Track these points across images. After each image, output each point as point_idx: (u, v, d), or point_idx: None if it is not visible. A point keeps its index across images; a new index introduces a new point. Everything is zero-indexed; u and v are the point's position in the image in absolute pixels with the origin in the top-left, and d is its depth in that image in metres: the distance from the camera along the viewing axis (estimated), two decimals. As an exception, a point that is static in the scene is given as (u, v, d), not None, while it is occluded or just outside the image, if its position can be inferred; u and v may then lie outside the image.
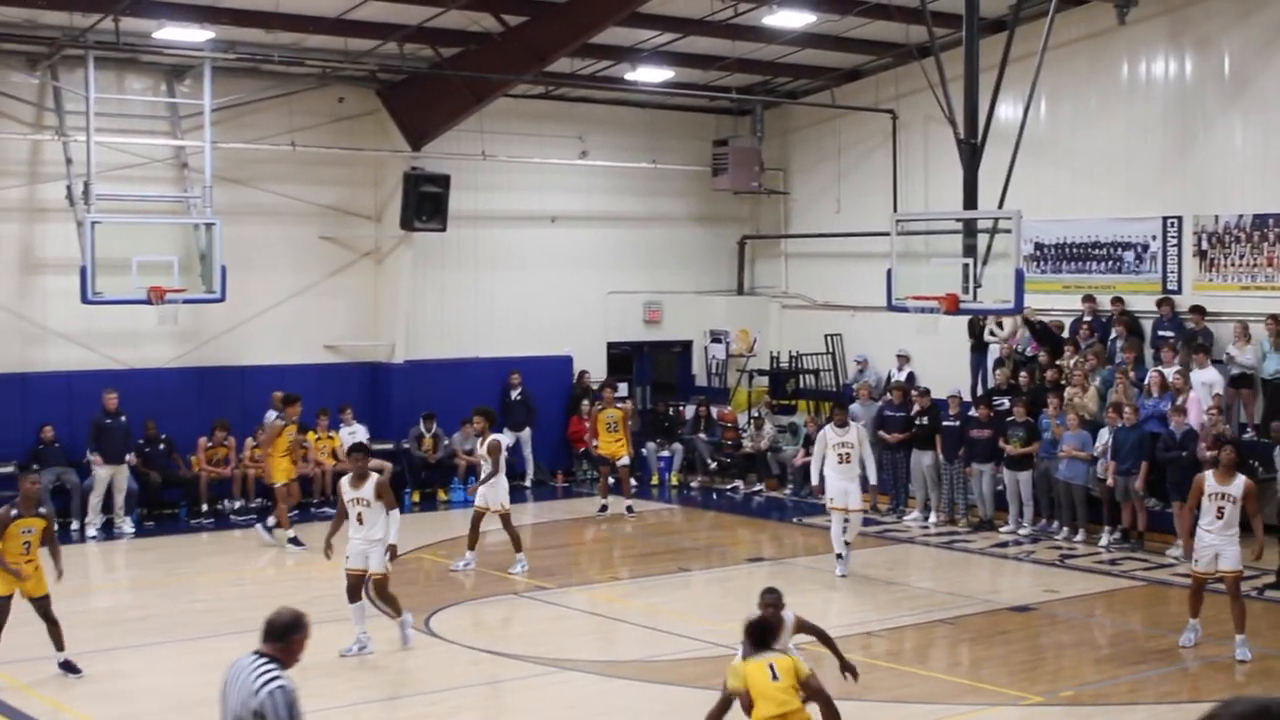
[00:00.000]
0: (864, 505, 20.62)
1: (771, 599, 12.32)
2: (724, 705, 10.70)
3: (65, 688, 14.63)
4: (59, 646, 14.93)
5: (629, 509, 25.44)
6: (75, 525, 23.59)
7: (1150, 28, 25.02)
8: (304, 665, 15.17)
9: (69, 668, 14.93)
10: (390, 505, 15.98)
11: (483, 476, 20.82)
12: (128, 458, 23.99)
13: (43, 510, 15.26)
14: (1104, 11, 24.96)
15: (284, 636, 8.06)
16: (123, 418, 23.95)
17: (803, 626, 12.68)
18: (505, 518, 20.71)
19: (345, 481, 16.16)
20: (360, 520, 15.92)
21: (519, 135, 28.62)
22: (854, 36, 27.31)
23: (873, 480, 21.41)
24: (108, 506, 23.91)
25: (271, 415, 24.27)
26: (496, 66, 25.35)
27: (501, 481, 20.67)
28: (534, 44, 24.76)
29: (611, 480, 25.98)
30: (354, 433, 25.38)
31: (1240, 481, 15.89)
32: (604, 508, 25.53)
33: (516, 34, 24.78)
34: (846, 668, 12.38)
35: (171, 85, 25.62)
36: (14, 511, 14.65)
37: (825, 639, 12.78)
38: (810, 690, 10.67)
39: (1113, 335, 24.94)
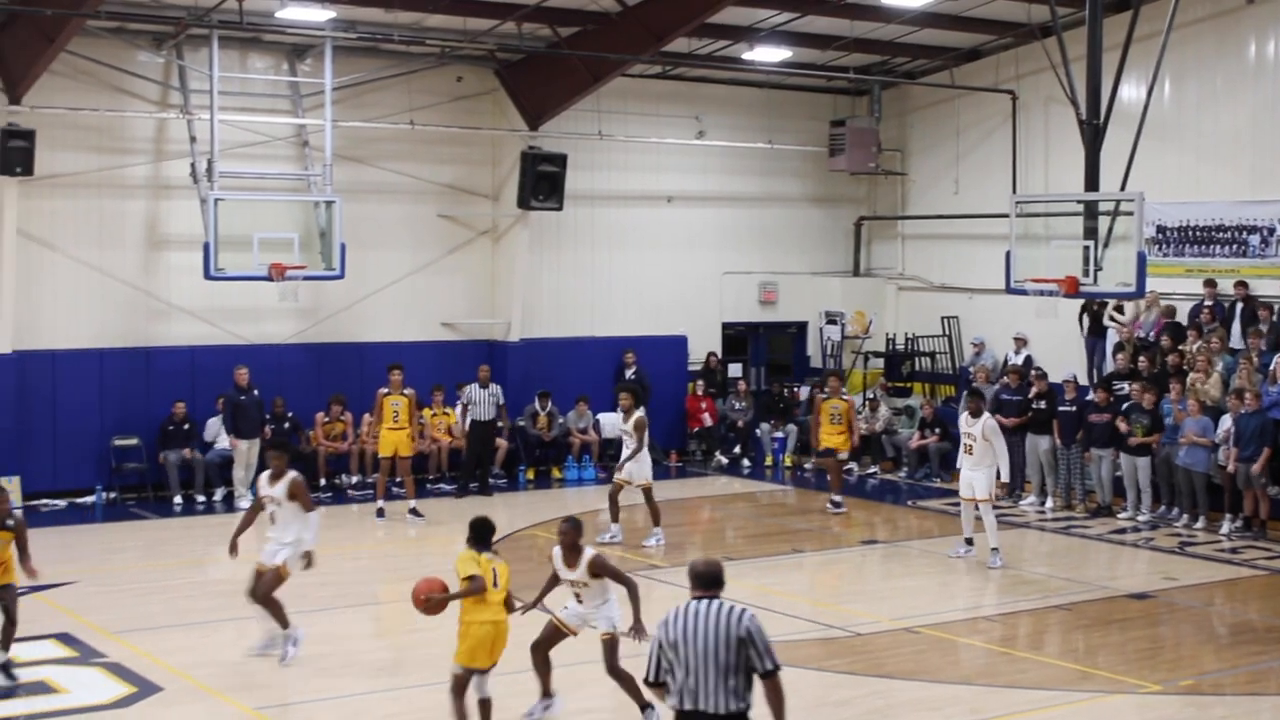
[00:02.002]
0: (989, 495, 20.23)
1: (566, 528, 12.57)
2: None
3: (184, 654, 14.80)
4: (4, 645, 14.07)
5: (832, 503, 23.99)
6: (200, 499, 23.98)
7: (1279, 7, 24.59)
8: (402, 641, 15.29)
9: (5, 670, 14.03)
10: (307, 507, 14.88)
11: (628, 452, 21.03)
12: (265, 431, 24.36)
13: (10, 523, 13.93)
14: (1232, -11, 24.59)
15: (718, 581, 8.75)
16: (254, 393, 24.30)
17: (601, 568, 12.54)
18: (648, 492, 21.07)
19: (264, 478, 15.08)
20: (273, 519, 14.91)
21: (636, 115, 28.62)
22: (974, 15, 27.02)
23: (1004, 477, 20.55)
24: (227, 479, 24.25)
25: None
26: (614, 46, 25.35)
27: (645, 457, 20.99)
28: (652, 24, 24.73)
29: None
30: (493, 394, 25.49)
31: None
32: (836, 503, 24.04)
33: (634, 13, 24.78)
34: (636, 629, 12.29)
35: (293, 64, 25.85)
36: None
37: (629, 587, 12.49)
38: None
39: (1236, 320, 24.57)
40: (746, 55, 27.99)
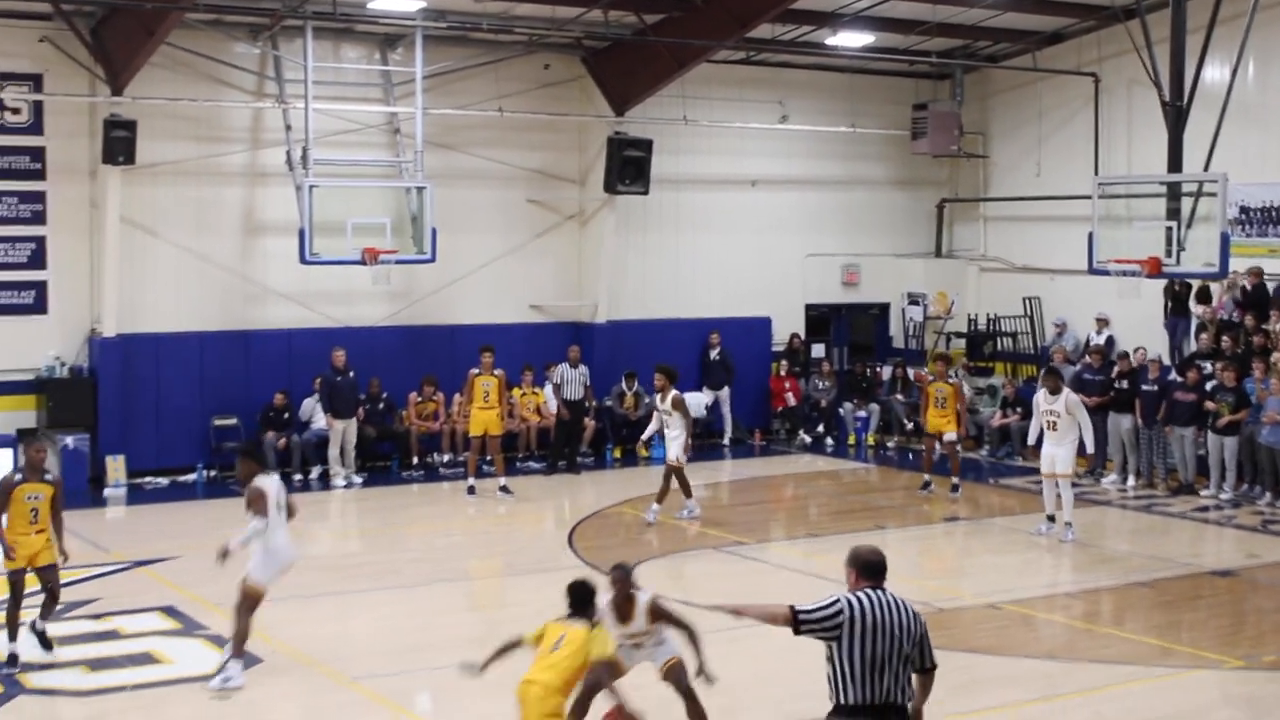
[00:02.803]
0: (1071, 471, 20.18)
1: (618, 575, 11.21)
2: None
3: (282, 627, 14.98)
4: (44, 616, 14.10)
5: (954, 488, 23.33)
6: (298, 477, 24.23)
7: (1362, -13, 24.28)
8: (497, 616, 15.39)
9: (42, 639, 14.06)
10: (258, 513, 13.40)
11: (672, 432, 20.94)
12: (360, 411, 24.64)
13: (49, 476, 14.08)
14: (1315, -29, 24.24)
15: (885, 570, 8.63)
16: (351, 374, 24.54)
17: (660, 613, 11.27)
18: (679, 470, 20.87)
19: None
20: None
21: (720, 100, 28.59)
22: (1056, -1, 26.87)
23: (1089, 449, 20.78)
24: (322, 458, 24.49)
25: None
26: (699, 33, 25.36)
27: (683, 436, 20.86)
28: (736, 10, 24.73)
29: (939, 455, 24.04)
30: (581, 374, 25.87)
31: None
32: (927, 484, 23.68)
33: (719, 1, 24.75)
34: (702, 672, 11.30)
35: (384, 54, 26.01)
36: (18, 476, 14.01)
37: (689, 634, 11.30)
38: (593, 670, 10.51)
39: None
40: (829, 40, 27.91)
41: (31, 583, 14.00)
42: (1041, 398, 20.26)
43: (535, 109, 26.99)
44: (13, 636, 13.90)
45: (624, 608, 11.19)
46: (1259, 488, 22.99)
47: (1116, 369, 24.90)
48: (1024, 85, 30.29)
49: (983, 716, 12.69)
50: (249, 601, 13.43)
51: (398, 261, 24.36)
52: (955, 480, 23.43)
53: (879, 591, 8.50)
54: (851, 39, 27.85)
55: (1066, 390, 20.35)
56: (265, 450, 24.15)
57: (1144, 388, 24.26)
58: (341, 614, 15.44)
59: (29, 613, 14.19)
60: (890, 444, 28.68)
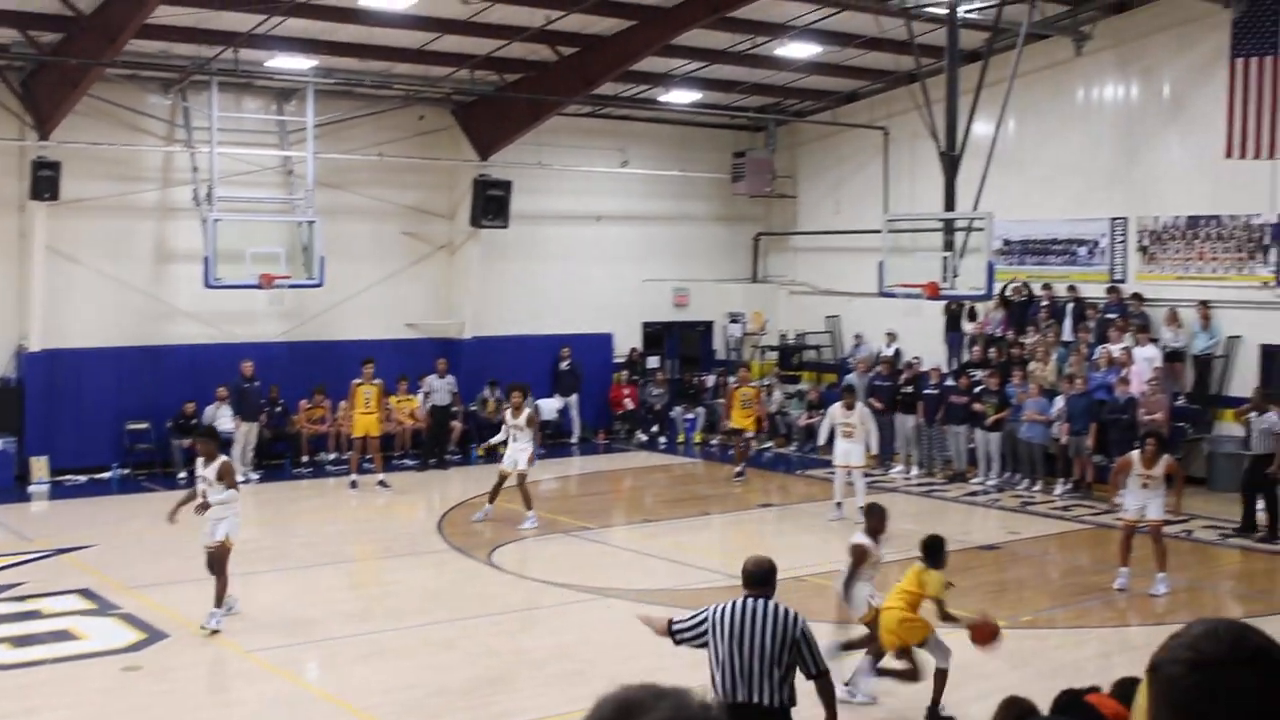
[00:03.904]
0: (864, 463, 20.56)
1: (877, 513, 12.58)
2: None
3: (187, 606, 14.69)
4: None
5: (738, 474, 23.80)
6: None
7: (1102, 58, 24.85)
8: (376, 593, 15.32)
9: None
10: (230, 485, 14.10)
11: (519, 442, 19.77)
12: (263, 416, 24.24)
13: None
14: (1063, 45, 24.77)
15: (769, 580, 8.28)
16: (257, 383, 24.14)
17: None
18: (523, 478, 19.81)
19: (199, 461, 14.33)
20: (204, 497, 14.14)
21: (570, 147, 28.56)
22: (852, 65, 27.20)
23: (874, 450, 21.15)
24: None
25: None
26: (552, 90, 25.34)
27: (529, 446, 19.84)
28: (583, 71, 24.73)
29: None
30: (449, 383, 25.72)
31: (1163, 463, 15.77)
32: (740, 473, 23.85)
33: (569, 63, 24.77)
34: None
35: (280, 105, 25.65)
36: None
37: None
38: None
39: (1067, 317, 24.88)
40: (662, 97, 28.06)
41: None
42: (839, 411, 20.50)
43: (411, 154, 26.78)
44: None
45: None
46: (1019, 475, 23.43)
47: (903, 376, 25.27)
48: (826, 136, 30.63)
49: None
50: (226, 558, 13.94)
51: (291, 286, 24.14)
52: (740, 467, 23.95)
53: (751, 600, 8.11)
54: (681, 96, 28.02)
55: (860, 405, 20.74)
56: (175, 450, 23.81)
57: (925, 392, 24.64)
58: (240, 594, 15.16)
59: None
60: (714, 441, 28.81)
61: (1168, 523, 16.49)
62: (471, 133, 27.16)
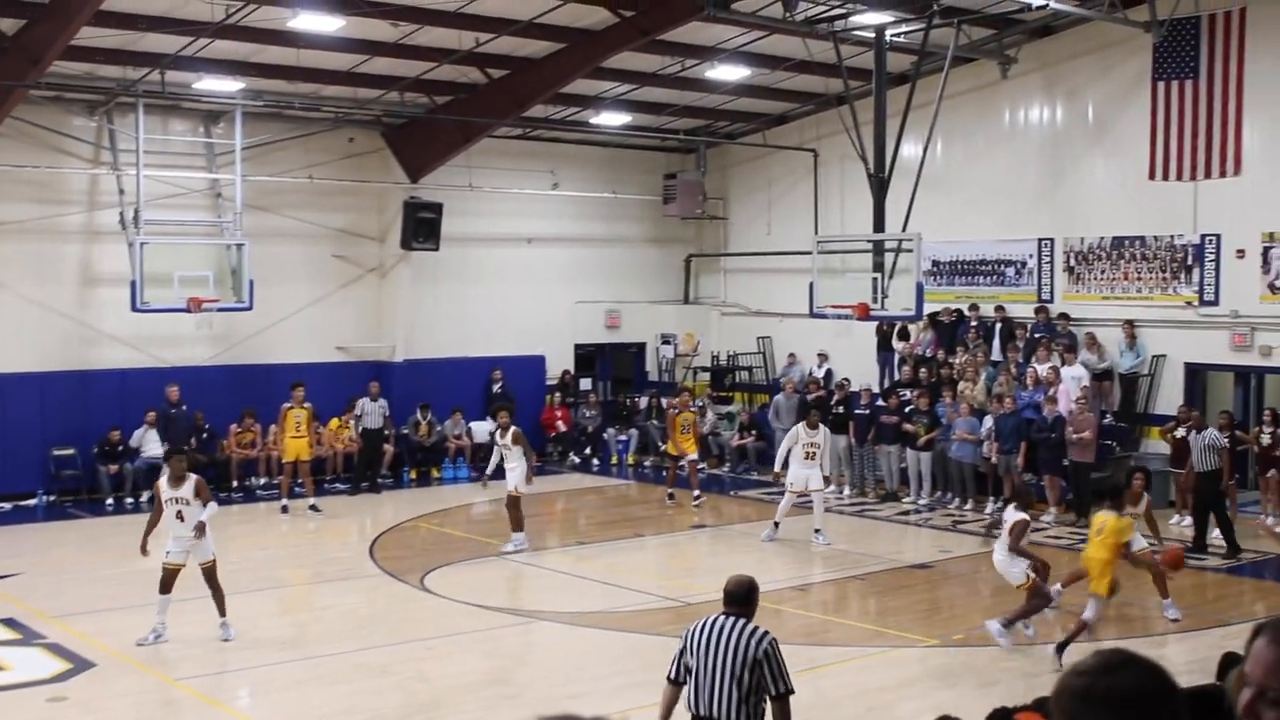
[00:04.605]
0: (821, 487, 20.41)
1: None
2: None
3: (114, 635, 14.50)
4: None
5: (696, 497, 23.31)
6: (130, 501, 23.43)
7: (1028, 81, 25.14)
8: (307, 618, 15.17)
9: None
10: (207, 500, 14.42)
11: (519, 464, 19.54)
12: (191, 440, 23.94)
13: None
14: (990, 68, 25.05)
15: (747, 600, 8.27)
16: (184, 407, 23.87)
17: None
18: (517, 500, 19.63)
19: (164, 482, 14.45)
20: (180, 518, 14.27)
21: (501, 170, 28.51)
22: (782, 88, 27.37)
23: (827, 472, 21.00)
24: (152, 483, 23.59)
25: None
26: (482, 112, 25.31)
27: (522, 467, 19.59)
28: (514, 93, 24.72)
29: (682, 473, 23.99)
30: (381, 407, 25.50)
31: (1145, 501, 15.77)
32: (671, 495, 23.72)
33: (499, 85, 24.75)
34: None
35: (208, 127, 25.43)
36: None
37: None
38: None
39: (996, 337, 25.11)
40: (593, 119, 28.08)
41: None
42: (803, 431, 20.25)
43: (341, 176, 26.63)
44: None
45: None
46: (950, 494, 23.60)
47: (835, 397, 25.39)
48: (756, 158, 30.77)
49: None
50: (216, 570, 14.46)
51: (219, 309, 23.93)
52: (697, 492, 23.49)
53: (725, 618, 8.14)
54: (612, 118, 28.05)
55: (823, 426, 20.67)
56: (102, 476, 23.49)
57: (856, 412, 24.75)
58: (168, 620, 14.95)
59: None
60: (647, 463, 28.79)
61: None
62: (402, 155, 27.06)
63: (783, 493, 20.59)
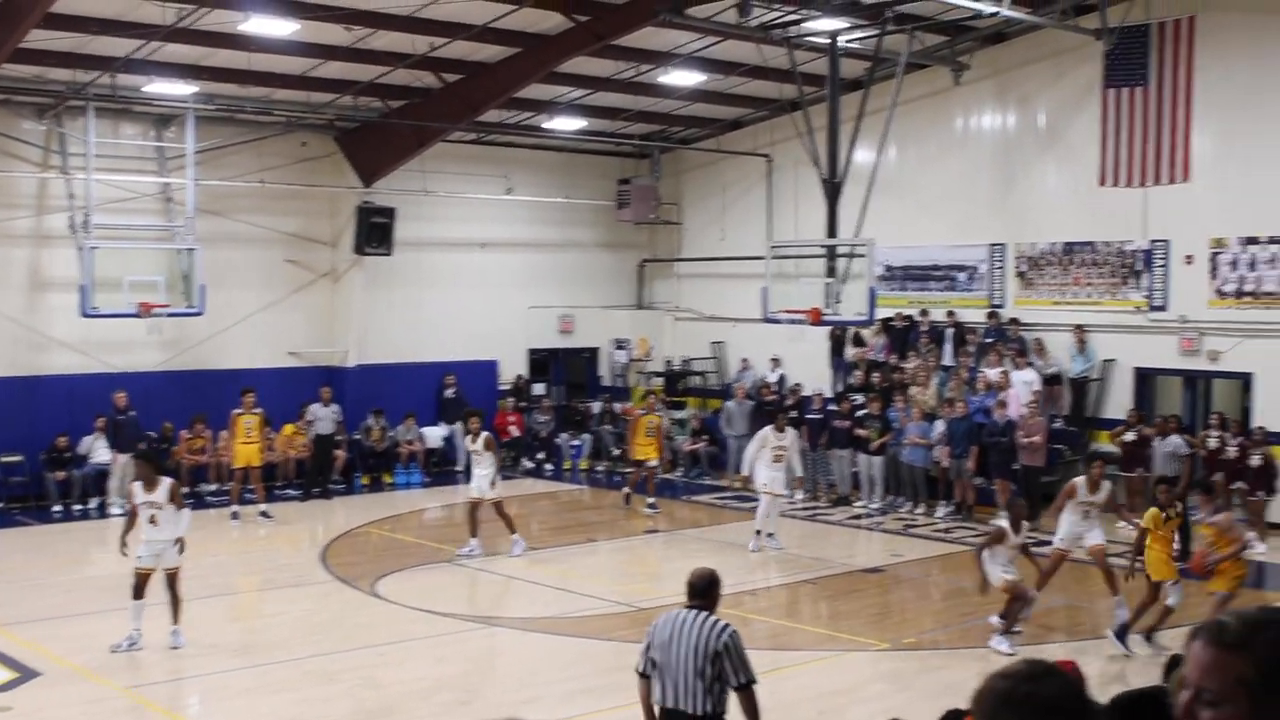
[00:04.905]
0: (787, 493, 20.45)
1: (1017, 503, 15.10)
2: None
3: (61, 642, 14.35)
4: None
5: (651, 505, 23.07)
6: (78, 508, 23.23)
7: (980, 88, 25.30)
8: (257, 625, 15.05)
9: None
10: (180, 506, 14.36)
11: (481, 470, 19.54)
12: (139, 447, 23.72)
13: None
14: (942, 74, 25.19)
15: (707, 593, 8.36)
16: (132, 413, 23.65)
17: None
18: (499, 505, 19.64)
19: (137, 486, 14.37)
20: (154, 522, 14.19)
21: (454, 174, 28.44)
22: (736, 93, 27.42)
23: (798, 474, 21.15)
24: (101, 490, 23.52)
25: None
26: (436, 117, 25.25)
27: (492, 472, 19.52)
28: (468, 98, 24.67)
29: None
30: (333, 412, 25.35)
31: (1105, 489, 15.63)
32: (628, 498, 23.41)
33: (453, 90, 24.70)
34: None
35: (159, 131, 25.25)
36: None
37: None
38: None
39: (947, 342, 25.25)
40: (547, 124, 28.06)
41: None
42: (771, 434, 20.13)
43: (293, 181, 26.51)
44: None
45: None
46: (901, 498, 23.70)
47: (789, 402, 25.44)
48: (710, 164, 30.84)
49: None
50: (178, 576, 14.30)
51: (170, 314, 23.77)
52: (652, 500, 23.31)
53: (687, 610, 8.26)
54: (566, 123, 28.04)
55: (790, 429, 20.62)
56: (49, 483, 23.28)
57: (809, 416, 24.82)
58: (117, 629, 14.82)
59: None
60: (600, 468, 28.78)
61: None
62: (355, 159, 26.95)
63: (755, 499, 20.54)
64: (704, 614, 8.23)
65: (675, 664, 8.09)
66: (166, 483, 14.37)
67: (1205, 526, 14.33)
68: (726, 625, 8.17)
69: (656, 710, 8.26)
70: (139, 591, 14.29)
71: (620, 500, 23.81)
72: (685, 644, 8.09)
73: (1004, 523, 14.51)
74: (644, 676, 8.34)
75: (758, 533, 20.03)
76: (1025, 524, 14.63)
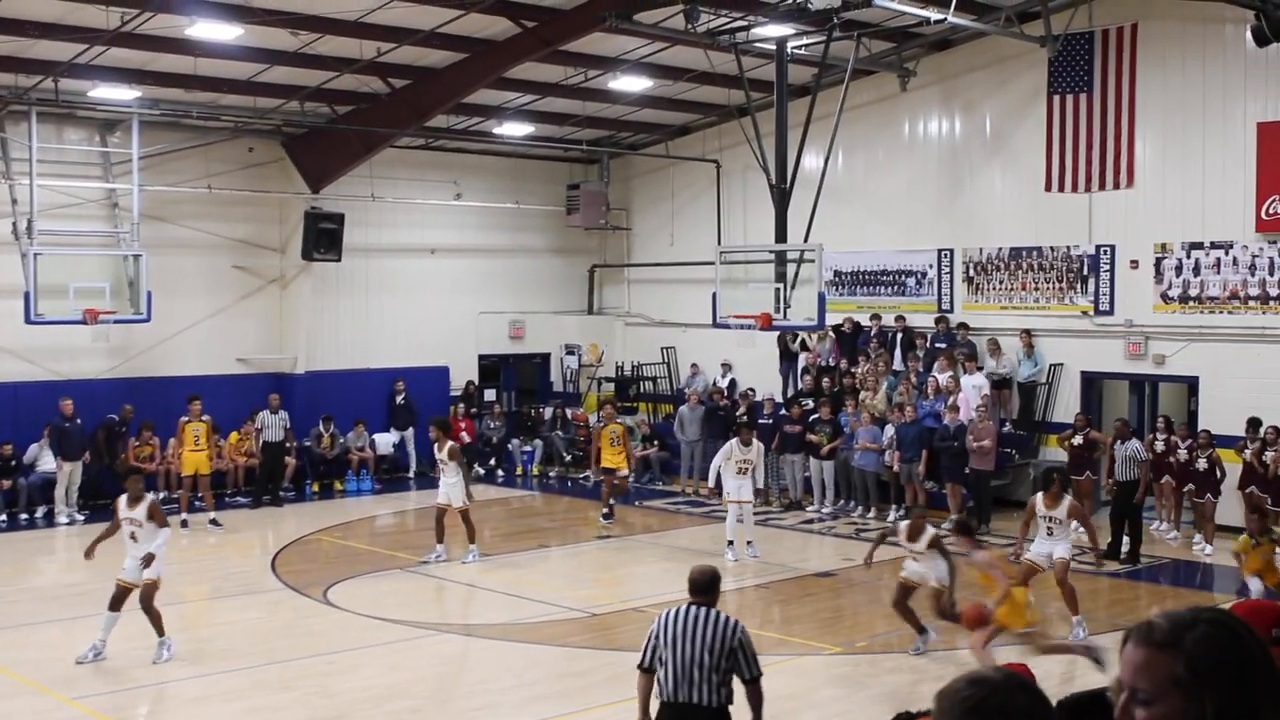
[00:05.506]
0: (752, 499, 20.40)
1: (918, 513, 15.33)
2: None
3: (11, 651, 14.21)
4: None
5: (605, 514, 22.69)
6: (24, 517, 22.98)
7: (927, 94, 25.48)
8: (207, 634, 14.94)
9: None
10: (161, 524, 14.30)
11: (454, 478, 19.43)
12: (85, 455, 23.53)
13: None
14: (889, 80, 25.36)
15: (710, 589, 8.64)
16: (78, 420, 23.42)
17: (937, 544, 14.36)
18: (465, 513, 19.54)
19: (122, 500, 14.43)
20: (134, 539, 14.22)
21: (403, 180, 28.37)
22: (684, 99, 27.50)
23: (759, 485, 21.24)
24: (47, 498, 23.29)
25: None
26: (384, 122, 25.17)
27: (461, 481, 19.46)
28: (416, 103, 24.61)
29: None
30: (282, 419, 25.22)
31: (1065, 504, 15.21)
32: (610, 512, 22.76)
33: (401, 95, 24.63)
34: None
35: (104, 136, 25.07)
36: None
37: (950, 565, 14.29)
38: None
39: (897, 347, 25.39)
40: (496, 130, 28.04)
41: None
42: (737, 448, 20.00)
43: (240, 186, 26.36)
44: None
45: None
46: (853, 503, 23.79)
47: (740, 407, 25.51)
48: (659, 169, 30.89)
49: (627, 705, 12.77)
50: (154, 593, 14.06)
51: (116, 321, 23.58)
52: (606, 509, 22.89)
53: (694, 607, 8.52)
54: (515, 129, 28.03)
55: (757, 442, 20.61)
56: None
57: (760, 421, 24.86)
58: (64, 640, 14.69)
59: None
60: (552, 474, 28.77)
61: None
62: (302, 165, 26.84)
63: (722, 510, 20.50)
64: (713, 610, 8.51)
65: (688, 659, 8.34)
66: (148, 500, 14.36)
67: (970, 567, 13.88)
68: (738, 622, 8.51)
69: (656, 704, 8.49)
70: (116, 604, 14.18)
71: (599, 516, 22.95)
72: (699, 639, 8.36)
73: (957, 536, 14.04)
74: (647, 671, 8.57)
75: (730, 543, 19.83)
76: (926, 536, 14.27)
